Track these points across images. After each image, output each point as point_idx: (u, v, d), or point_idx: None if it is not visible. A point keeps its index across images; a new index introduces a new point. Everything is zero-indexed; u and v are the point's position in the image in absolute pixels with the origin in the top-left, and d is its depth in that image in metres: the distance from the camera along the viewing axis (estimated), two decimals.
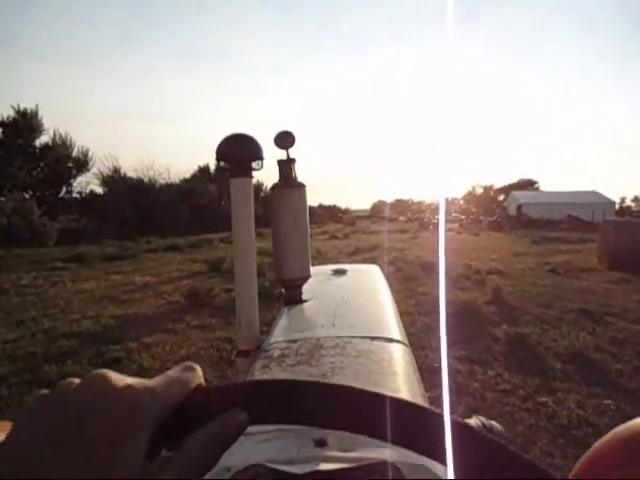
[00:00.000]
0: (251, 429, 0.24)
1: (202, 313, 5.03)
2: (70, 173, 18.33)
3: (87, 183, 20.35)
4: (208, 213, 21.48)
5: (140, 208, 17.64)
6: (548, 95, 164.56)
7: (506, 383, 3.09)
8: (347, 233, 19.30)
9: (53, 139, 18.99)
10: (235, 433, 0.23)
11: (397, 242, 14.94)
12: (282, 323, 1.06)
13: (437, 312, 4.85)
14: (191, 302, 5.34)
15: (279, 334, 0.95)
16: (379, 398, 0.23)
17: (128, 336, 4.18)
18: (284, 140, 1.14)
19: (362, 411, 0.23)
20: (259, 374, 0.72)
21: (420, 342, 3.85)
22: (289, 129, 1.13)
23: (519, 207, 39.25)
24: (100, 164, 21.09)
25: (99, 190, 20.26)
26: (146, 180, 20.93)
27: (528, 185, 52.64)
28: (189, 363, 0.26)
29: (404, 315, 4.11)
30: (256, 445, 0.49)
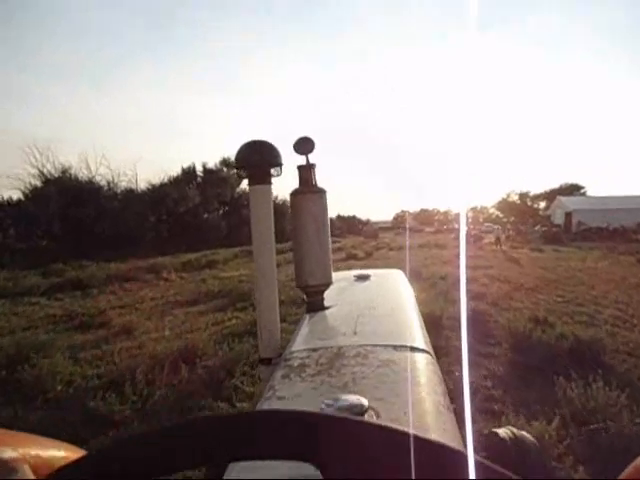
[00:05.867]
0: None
1: None
2: None
3: None
4: (189, 225, 16.71)
5: (79, 220, 12.88)
6: (586, 96, 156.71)
7: None
8: (369, 251, 14.33)
9: None
10: None
11: (442, 265, 9.85)
12: (304, 331, 1.04)
13: None
14: None
15: (301, 342, 0.93)
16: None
17: None
18: (303, 146, 1.14)
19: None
20: (279, 384, 0.71)
21: None
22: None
23: (568, 215, 33.95)
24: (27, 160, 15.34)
25: (16, 195, 14.39)
26: (103, 183, 16.03)
27: (573, 190, 46.25)
28: None
29: None
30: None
